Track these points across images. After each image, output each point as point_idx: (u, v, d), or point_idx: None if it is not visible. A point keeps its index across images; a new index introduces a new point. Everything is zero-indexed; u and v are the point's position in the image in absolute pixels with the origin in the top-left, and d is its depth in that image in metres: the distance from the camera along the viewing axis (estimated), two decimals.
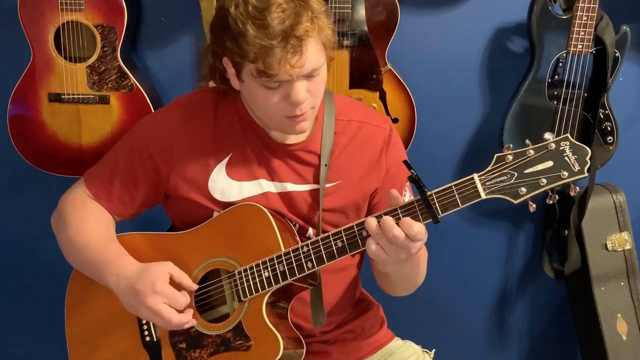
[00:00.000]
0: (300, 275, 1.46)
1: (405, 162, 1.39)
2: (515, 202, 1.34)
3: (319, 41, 1.41)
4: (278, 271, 1.46)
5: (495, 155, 1.36)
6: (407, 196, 1.65)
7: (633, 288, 2.21)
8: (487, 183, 1.35)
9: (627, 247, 2.22)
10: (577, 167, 1.32)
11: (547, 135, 1.35)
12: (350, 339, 1.70)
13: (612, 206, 2.20)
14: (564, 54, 2.04)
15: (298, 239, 1.56)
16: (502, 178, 1.34)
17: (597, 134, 2.09)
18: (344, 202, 1.61)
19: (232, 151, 1.56)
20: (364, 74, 2.06)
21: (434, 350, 1.73)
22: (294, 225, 1.59)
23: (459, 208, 1.36)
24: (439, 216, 1.37)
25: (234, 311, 1.52)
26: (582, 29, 1.99)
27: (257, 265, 1.48)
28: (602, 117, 2.09)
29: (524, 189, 1.33)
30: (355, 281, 1.73)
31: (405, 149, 2.09)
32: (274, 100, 1.43)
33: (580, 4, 1.97)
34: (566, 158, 1.32)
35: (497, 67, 2.22)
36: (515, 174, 1.34)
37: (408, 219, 1.35)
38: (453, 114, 2.26)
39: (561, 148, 1.33)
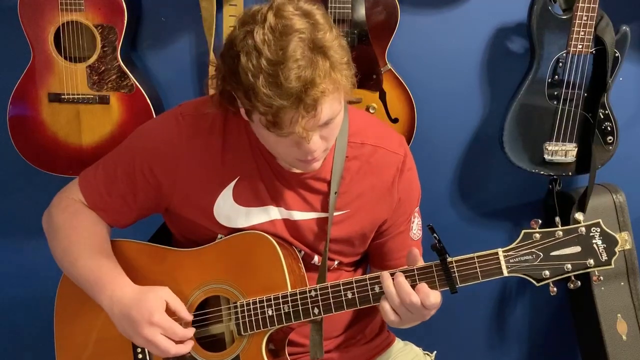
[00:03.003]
0: (305, 320, 1.43)
1: (430, 227, 1.35)
2: (538, 284, 1.33)
3: (336, 96, 1.30)
4: (282, 312, 1.42)
5: (523, 232, 1.33)
6: (416, 222, 1.62)
7: (633, 288, 2.21)
8: (512, 261, 1.33)
9: (627, 247, 2.21)
10: (604, 257, 1.31)
11: (578, 217, 1.31)
12: (352, 345, 1.66)
13: (612, 206, 2.20)
14: (564, 54, 2.04)
15: (302, 264, 1.51)
16: (527, 257, 1.32)
17: (597, 134, 2.09)
18: (351, 232, 1.55)
19: (240, 174, 1.49)
20: (364, 74, 2.05)
21: (435, 352, 1.72)
22: (300, 252, 1.54)
23: (478, 281, 1.34)
24: (457, 286, 1.34)
25: (230, 334, 1.49)
26: (582, 29, 1.99)
27: (261, 302, 1.43)
28: (602, 117, 2.09)
29: (547, 272, 1.32)
30: None
31: None
32: (285, 146, 1.34)
33: (580, 4, 1.97)
34: (595, 245, 1.31)
35: (497, 67, 2.22)
36: (541, 254, 1.32)
37: (425, 287, 1.33)
38: (453, 114, 2.26)
39: (591, 234, 1.31)
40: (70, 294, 1.59)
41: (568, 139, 2.09)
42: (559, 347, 2.48)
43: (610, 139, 2.10)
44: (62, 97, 2.05)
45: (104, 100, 2.05)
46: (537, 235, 1.32)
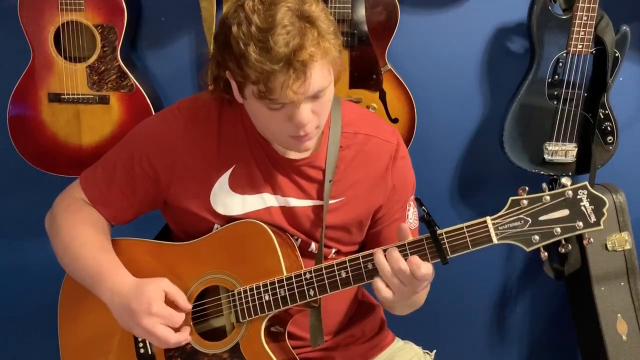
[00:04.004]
0: (302, 302, 1.45)
1: (417, 199, 1.38)
2: (528, 250, 1.33)
3: (325, 63, 1.34)
4: (279, 296, 1.44)
5: (510, 199, 1.33)
6: (411, 211, 1.63)
7: (633, 288, 2.21)
8: (500, 228, 1.33)
9: (627, 247, 2.22)
10: (593, 219, 1.30)
11: (565, 181, 1.31)
12: (351, 343, 1.67)
13: (612, 206, 2.20)
14: (564, 54, 2.04)
15: (298, 253, 1.53)
16: (515, 223, 1.32)
17: (597, 134, 2.09)
18: (346, 219, 1.57)
19: (236, 163, 1.52)
20: (364, 74, 2.06)
21: (435, 351, 1.73)
22: (296, 240, 1.56)
23: (468, 251, 1.35)
24: (448, 257, 1.35)
25: (230, 325, 1.51)
26: (582, 29, 1.99)
27: (258, 288, 1.46)
28: (602, 117, 2.09)
29: (537, 237, 1.32)
30: (358, 287, 1.71)
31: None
32: (277, 120, 1.38)
33: (580, 4, 1.97)
34: (582, 208, 1.30)
35: (497, 67, 2.22)
36: (530, 220, 1.32)
37: (416, 258, 1.34)
38: (453, 114, 2.26)
39: (578, 197, 1.31)
40: (73, 293, 1.61)
41: (568, 139, 2.09)
42: (559, 347, 2.48)
43: (610, 139, 2.11)
44: (62, 97, 2.05)
45: (104, 100, 2.05)
46: (525, 202, 1.32)
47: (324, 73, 1.35)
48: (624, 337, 2.19)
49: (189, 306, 1.48)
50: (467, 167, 2.31)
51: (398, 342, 1.74)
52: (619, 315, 2.19)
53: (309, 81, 1.32)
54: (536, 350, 2.49)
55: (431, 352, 1.73)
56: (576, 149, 2.10)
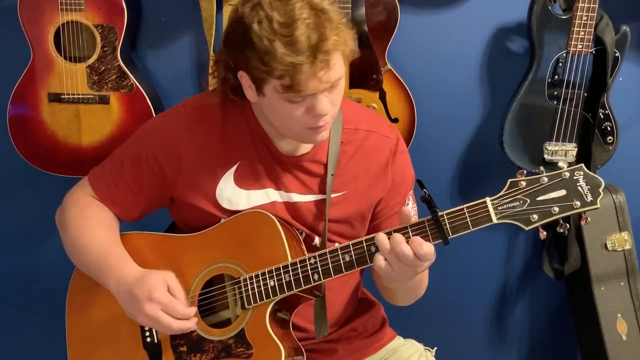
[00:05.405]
0: (306, 287, 1.46)
1: (418, 180, 1.40)
2: (527, 228, 1.35)
3: (342, 51, 1.39)
4: (284, 281, 1.46)
5: (509, 181, 1.37)
6: (410, 205, 1.66)
7: (633, 288, 2.21)
8: (500, 208, 1.36)
9: (627, 247, 2.22)
10: (589, 198, 1.34)
11: (562, 164, 1.36)
12: (354, 337, 1.70)
13: (612, 206, 2.20)
14: (564, 54, 2.04)
15: (304, 246, 1.55)
16: (514, 204, 1.35)
17: (597, 134, 2.09)
18: (349, 213, 1.60)
19: (240, 160, 1.56)
20: (363, 74, 2.06)
21: (436, 348, 1.74)
22: (301, 234, 1.59)
23: (469, 230, 1.37)
24: (449, 237, 1.37)
25: (236, 317, 1.52)
26: (582, 29, 1.99)
27: (263, 274, 1.48)
28: (602, 117, 2.09)
29: (535, 216, 1.35)
30: (358, 282, 1.74)
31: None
32: (297, 113, 1.41)
33: (580, 4, 1.97)
34: (579, 188, 1.34)
35: (497, 67, 2.22)
36: (528, 200, 1.35)
37: (418, 238, 1.36)
38: (453, 114, 2.26)
39: (575, 177, 1.34)
40: (81, 287, 1.64)
41: (568, 139, 2.09)
42: (559, 347, 2.48)
43: (610, 139, 2.11)
44: (62, 97, 2.05)
45: (104, 100, 2.05)
46: (523, 183, 1.35)
47: (341, 61, 1.39)
48: (624, 337, 2.19)
49: (190, 308, 1.49)
50: (467, 167, 2.32)
51: (400, 339, 1.76)
52: (619, 315, 2.19)
53: (332, 70, 1.36)
54: (536, 350, 2.49)
55: (432, 349, 1.74)
56: (576, 149, 2.10)
